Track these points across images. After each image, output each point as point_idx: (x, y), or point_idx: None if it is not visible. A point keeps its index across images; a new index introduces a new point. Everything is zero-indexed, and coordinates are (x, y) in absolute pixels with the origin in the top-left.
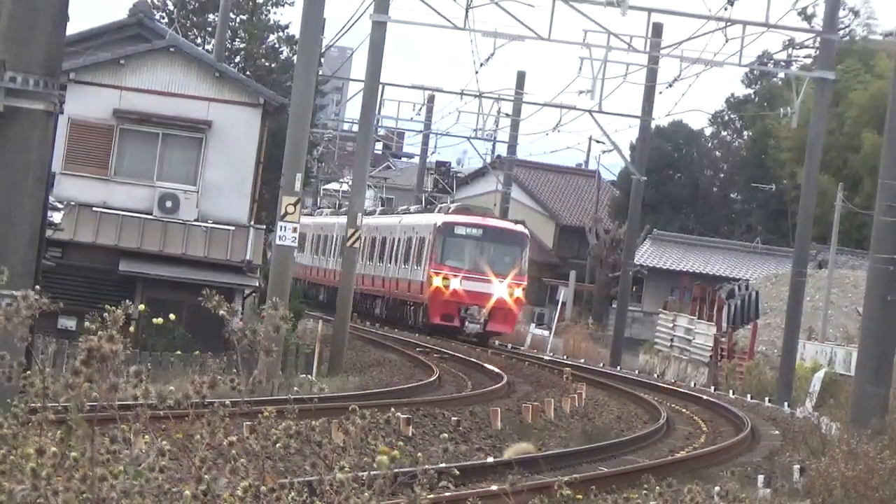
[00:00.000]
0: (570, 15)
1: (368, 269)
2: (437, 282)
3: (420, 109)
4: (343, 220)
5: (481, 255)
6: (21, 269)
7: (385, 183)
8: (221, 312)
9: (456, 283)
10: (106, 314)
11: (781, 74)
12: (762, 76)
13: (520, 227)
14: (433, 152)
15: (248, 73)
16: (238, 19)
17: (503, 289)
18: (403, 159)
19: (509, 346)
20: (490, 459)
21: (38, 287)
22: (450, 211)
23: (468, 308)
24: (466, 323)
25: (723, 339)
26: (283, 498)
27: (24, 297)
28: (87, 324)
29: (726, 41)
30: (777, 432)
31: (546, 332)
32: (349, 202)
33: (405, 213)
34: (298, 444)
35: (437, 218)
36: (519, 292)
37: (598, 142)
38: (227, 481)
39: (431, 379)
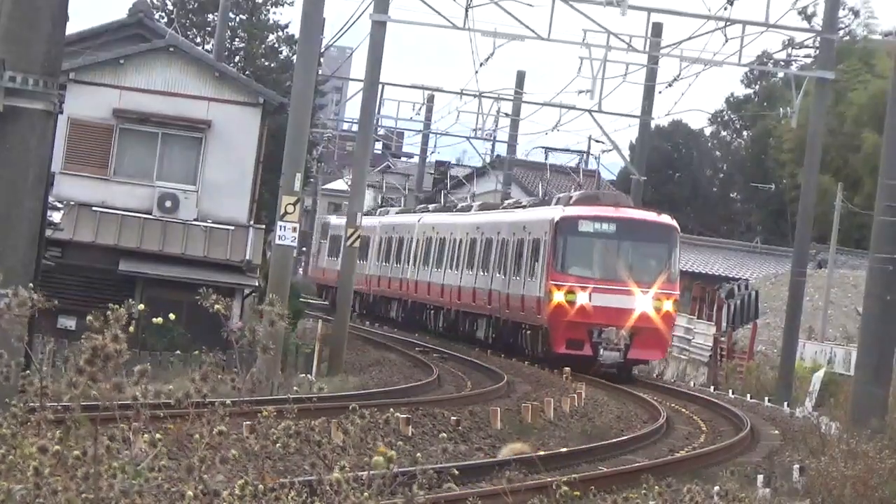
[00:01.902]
0: (570, 15)
1: (423, 276)
2: (559, 297)
3: (420, 109)
4: (446, 218)
5: (617, 257)
6: (21, 268)
7: (406, 182)
8: (217, 307)
9: (584, 298)
10: (109, 313)
11: (781, 74)
12: (762, 76)
13: (666, 218)
14: (433, 152)
15: (247, 72)
16: (238, 19)
17: (648, 302)
18: (403, 159)
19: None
20: (483, 459)
21: (31, 285)
22: (570, 201)
23: (602, 330)
24: (601, 351)
25: (722, 339)
26: (283, 497)
27: (15, 295)
28: (89, 319)
29: (726, 41)
30: (777, 432)
31: None
32: (349, 202)
33: (493, 210)
34: (298, 443)
35: (554, 212)
36: (669, 305)
37: (597, 141)
38: (224, 478)
39: (431, 379)
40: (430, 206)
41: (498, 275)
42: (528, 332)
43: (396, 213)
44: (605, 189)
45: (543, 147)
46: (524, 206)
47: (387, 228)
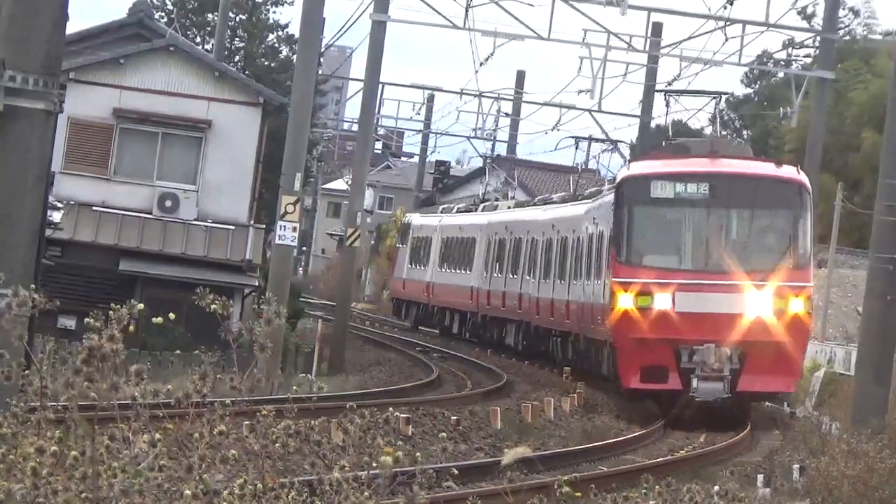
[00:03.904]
0: (570, 14)
1: (497, 284)
2: (626, 302)
3: (420, 109)
4: (529, 213)
5: (716, 235)
6: (21, 268)
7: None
8: (214, 307)
9: (665, 301)
10: (109, 313)
11: (781, 74)
12: (762, 76)
13: (790, 171)
14: (433, 152)
15: (247, 72)
16: (237, 19)
17: (767, 302)
18: (403, 158)
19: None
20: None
21: (32, 285)
22: (640, 157)
23: (695, 350)
24: (694, 382)
25: None
26: (283, 497)
27: (15, 295)
28: (88, 320)
29: (726, 40)
30: (777, 432)
31: None
32: (349, 202)
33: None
34: (298, 443)
35: (620, 175)
36: (800, 305)
37: (597, 141)
38: (224, 478)
39: (431, 378)
40: (504, 203)
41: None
42: (596, 349)
43: (457, 211)
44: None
45: (574, 137)
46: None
47: (451, 229)
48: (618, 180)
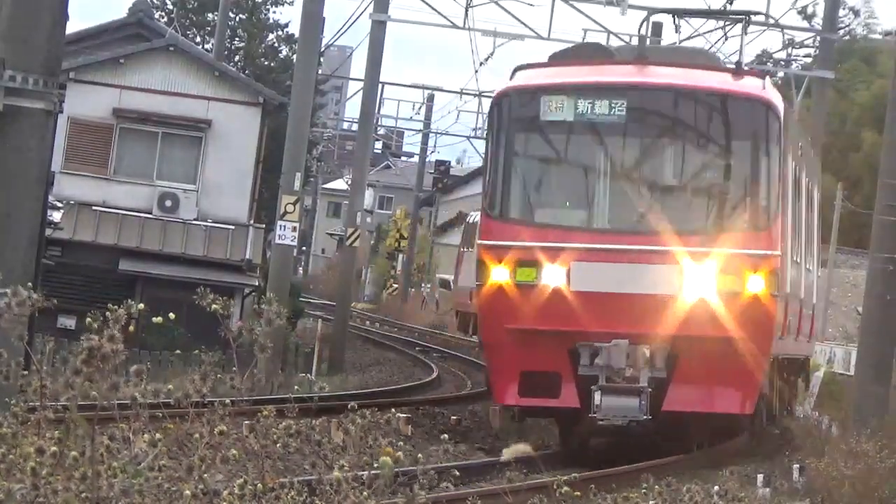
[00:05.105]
0: (570, 14)
1: None
2: (499, 275)
3: (420, 109)
4: None
5: (635, 178)
6: (21, 268)
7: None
8: (214, 307)
9: (556, 276)
10: (108, 313)
11: (781, 74)
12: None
13: (754, 84)
14: (433, 152)
15: (247, 72)
16: (237, 18)
17: (710, 278)
18: (403, 158)
19: None
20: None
21: (31, 285)
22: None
23: (598, 349)
24: (597, 396)
25: None
26: (283, 497)
27: (15, 294)
28: (88, 320)
29: (725, 40)
30: (777, 432)
31: None
32: (349, 202)
33: None
34: (298, 443)
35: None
36: (760, 283)
37: None
38: (224, 478)
39: (431, 378)
40: None
41: None
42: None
43: None
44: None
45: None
46: None
47: None
48: (496, 97)
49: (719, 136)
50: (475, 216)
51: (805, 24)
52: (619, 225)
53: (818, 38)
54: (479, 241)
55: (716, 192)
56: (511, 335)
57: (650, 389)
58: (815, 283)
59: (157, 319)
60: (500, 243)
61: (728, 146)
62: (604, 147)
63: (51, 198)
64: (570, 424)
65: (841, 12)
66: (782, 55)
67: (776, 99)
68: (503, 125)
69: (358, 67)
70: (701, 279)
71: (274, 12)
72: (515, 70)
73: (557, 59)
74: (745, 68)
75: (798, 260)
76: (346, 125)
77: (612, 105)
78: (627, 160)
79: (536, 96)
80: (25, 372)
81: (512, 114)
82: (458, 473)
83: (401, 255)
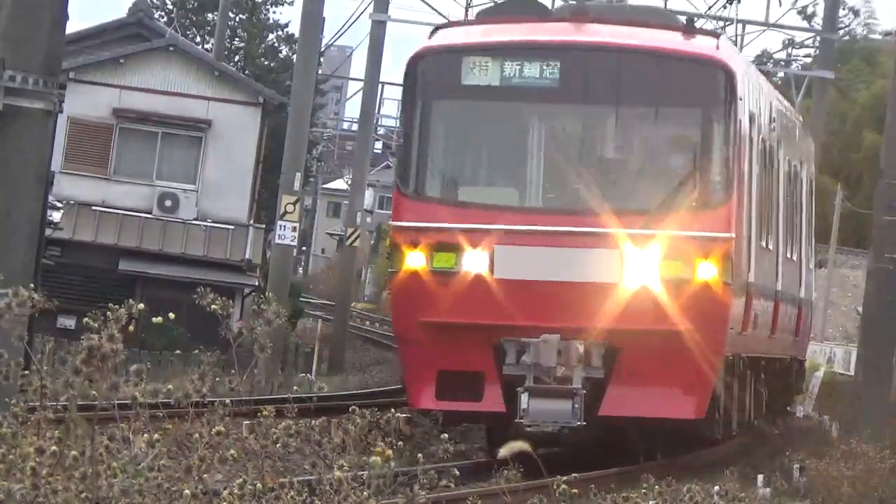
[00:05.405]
0: None
1: None
2: (414, 260)
3: None
4: None
5: (569, 150)
6: (21, 268)
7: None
8: (214, 307)
9: (478, 261)
10: (108, 313)
11: (781, 74)
12: None
13: (706, 44)
14: None
15: (247, 72)
16: (237, 18)
17: (653, 263)
18: None
19: None
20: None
21: (31, 285)
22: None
23: (525, 345)
24: (524, 399)
25: None
26: (283, 497)
27: (15, 295)
28: (86, 320)
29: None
30: (777, 432)
31: None
32: (349, 202)
33: None
34: (298, 443)
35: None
36: (711, 270)
37: None
38: (223, 478)
39: None
40: None
41: None
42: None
43: None
44: None
45: None
46: None
47: None
48: (412, 59)
49: (666, 103)
50: None
51: (805, 24)
52: (550, 204)
53: (818, 38)
54: (391, 223)
55: (662, 167)
56: (427, 329)
57: (585, 391)
58: (806, 276)
59: (157, 319)
60: (415, 224)
61: (676, 114)
62: (534, 115)
63: (51, 198)
64: (499, 430)
65: (841, 12)
66: (782, 55)
67: (733, 61)
68: (419, 91)
69: (358, 67)
70: (643, 265)
71: (274, 12)
72: (435, 29)
73: (485, 17)
74: (699, 27)
75: (771, 247)
76: (346, 125)
77: (544, 68)
78: (561, 130)
79: (457, 58)
80: (25, 372)
81: (428, 78)
82: (458, 473)
83: None
